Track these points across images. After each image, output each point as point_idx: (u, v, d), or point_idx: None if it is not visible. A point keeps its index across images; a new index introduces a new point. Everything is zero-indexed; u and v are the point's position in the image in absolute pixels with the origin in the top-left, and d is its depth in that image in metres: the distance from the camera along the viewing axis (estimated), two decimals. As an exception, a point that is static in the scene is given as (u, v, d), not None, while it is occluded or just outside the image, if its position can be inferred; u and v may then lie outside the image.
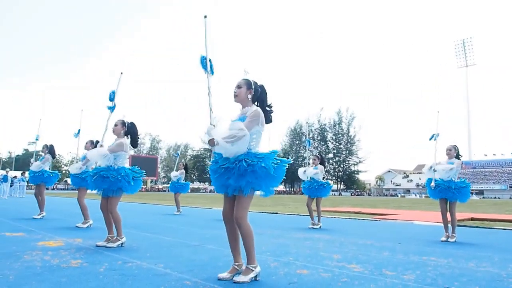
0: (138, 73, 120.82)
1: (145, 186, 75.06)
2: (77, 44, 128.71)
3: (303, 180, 7.73)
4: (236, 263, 3.16)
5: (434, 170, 5.95)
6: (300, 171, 7.68)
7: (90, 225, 6.75)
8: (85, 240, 5.11)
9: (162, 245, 4.90)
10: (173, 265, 3.58)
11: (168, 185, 11.93)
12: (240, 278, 3.00)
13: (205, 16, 3.30)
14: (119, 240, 4.64)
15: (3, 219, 8.03)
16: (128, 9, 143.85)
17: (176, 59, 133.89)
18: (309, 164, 7.83)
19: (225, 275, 3.09)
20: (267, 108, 3.28)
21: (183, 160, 11.84)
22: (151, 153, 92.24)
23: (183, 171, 11.32)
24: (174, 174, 11.29)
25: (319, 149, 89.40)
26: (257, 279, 3.09)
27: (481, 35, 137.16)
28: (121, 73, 5.04)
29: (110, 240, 4.66)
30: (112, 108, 4.90)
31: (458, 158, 6.05)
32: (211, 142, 3.00)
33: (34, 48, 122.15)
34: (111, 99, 4.91)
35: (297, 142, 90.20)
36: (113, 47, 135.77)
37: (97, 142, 6.84)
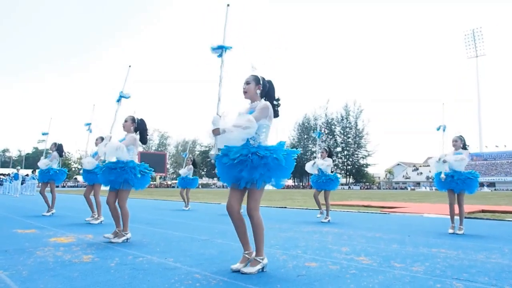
0: (147, 70, 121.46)
1: (154, 182, 75.70)
2: (87, 40, 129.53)
3: (311, 174, 7.74)
4: (246, 252, 3.23)
5: (444, 161, 5.87)
6: (308, 164, 7.68)
7: (101, 221, 6.84)
8: (96, 236, 5.18)
9: (171, 239, 4.95)
10: (183, 259, 3.62)
11: (177, 181, 12.04)
12: (247, 269, 3.08)
13: (228, 5, 3.39)
14: (124, 235, 4.68)
15: (15, 216, 8.17)
16: (133, 7, 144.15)
17: (185, 55, 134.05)
18: (317, 157, 7.83)
19: (237, 265, 3.17)
20: (275, 103, 3.36)
21: (190, 156, 11.85)
22: (159, 149, 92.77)
23: (191, 166, 11.38)
24: (182, 172, 11.36)
25: (327, 142, 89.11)
26: (264, 270, 3.16)
27: (491, 25, 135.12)
28: (129, 66, 5.10)
29: (117, 234, 4.71)
30: (119, 100, 4.95)
31: (465, 149, 5.97)
32: (216, 131, 3.07)
33: (44, 44, 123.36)
34: (119, 100, 4.97)
35: (305, 136, 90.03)
36: (125, 44, 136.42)
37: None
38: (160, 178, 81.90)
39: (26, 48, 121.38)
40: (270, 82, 3.38)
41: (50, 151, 8.49)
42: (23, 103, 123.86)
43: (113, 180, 4.66)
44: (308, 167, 7.68)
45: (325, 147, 7.89)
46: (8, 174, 25.73)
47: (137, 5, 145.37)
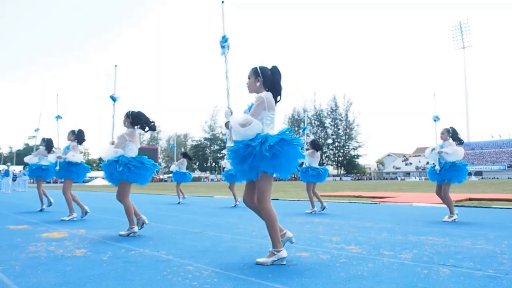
0: (138, 65, 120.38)
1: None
2: (75, 37, 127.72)
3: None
4: (281, 232, 3.28)
5: (446, 153, 5.90)
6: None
7: (74, 217, 6.60)
8: (89, 230, 5.19)
9: (164, 233, 4.98)
10: (175, 251, 3.66)
11: (169, 175, 12.02)
12: (261, 260, 3.11)
13: (223, 1, 3.42)
14: (130, 229, 4.73)
15: (7, 212, 8.12)
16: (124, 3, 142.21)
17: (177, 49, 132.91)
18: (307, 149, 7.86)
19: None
20: (277, 88, 3.29)
21: (182, 149, 11.84)
22: (151, 143, 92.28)
23: (183, 160, 11.38)
24: (173, 167, 11.36)
25: (318, 135, 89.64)
26: (283, 263, 3.09)
27: (477, 16, 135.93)
28: (115, 65, 5.06)
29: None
30: (113, 99, 4.94)
31: (455, 141, 6.03)
32: (227, 124, 3.16)
33: (34, 41, 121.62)
34: (114, 99, 4.95)
35: (296, 129, 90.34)
36: (115, 38, 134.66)
37: (79, 131, 6.81)
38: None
39: (21, 45, 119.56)
40: (274, 68, 3.30)
41: (40, 147, 8.34)
42: (14, 99, 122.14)
43: (110, 176, 4.72)
44: None
45: (310, 141, 7.89)
46: (20, 171, 25.29)
47: (127, 2, 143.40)
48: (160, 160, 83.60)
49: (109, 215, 7.40)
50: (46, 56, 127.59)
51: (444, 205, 6.32)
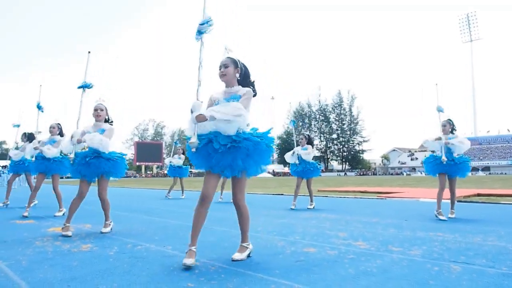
0: (139, 64, 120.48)
1: (151, 172, 75.69)
2: (75, 37, 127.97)
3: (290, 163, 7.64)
4: (194, 247, 2.97)
5: (452, 144, 5.73)
6: (288, 154, 7.54)
7: (64, 213, 6.49)
8: (94, 225, 5.18)
9: (169, 228, 4.96)
10: (181, 247, 3.63)
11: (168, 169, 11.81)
12: (237, 256, 3.10)
13: None
14: (110, 224, 4.65)
15: (13, 207, 8.14)
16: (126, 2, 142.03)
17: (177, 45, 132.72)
18: (298, 145, 7.74)
19: (190, 260, 2.85)
20: (251, 87, 3.19)
21: (180, 145, 11.85)
22: (155, 139, 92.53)
23: (182, 156, 11.39)
24: (174, 161, 11.33)
25: (322, 129, 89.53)
26: (250, 256, 3.23)
27: (485, 9, 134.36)
28: (89, 52, 4.95)
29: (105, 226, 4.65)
30: (84, 86, 4.74)
31: (453, 133, 5.91)
32: (200, 117, 2.82)
33: (34, 41, 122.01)
34: (82, 87, 4.76)
35: (301, 123, 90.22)
36: (120, 32, 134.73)
37: (59, 125, 6.71)
38: (157, 167, 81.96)
39: (18, 45, 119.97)
40: (245, 65, 3.23)
41: (23, 142, 7.97)
42: (13, 99, 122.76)
43: (93, 172, 4.42)
44: (288, 156, 7.53)
45: (305, 134, 7.78)
46: (5, 166, 25.46)
47: (127, 2, 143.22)
48: (164, 155, 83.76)
49: (114, 210, 7.38)
50: (46, 56, 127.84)
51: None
